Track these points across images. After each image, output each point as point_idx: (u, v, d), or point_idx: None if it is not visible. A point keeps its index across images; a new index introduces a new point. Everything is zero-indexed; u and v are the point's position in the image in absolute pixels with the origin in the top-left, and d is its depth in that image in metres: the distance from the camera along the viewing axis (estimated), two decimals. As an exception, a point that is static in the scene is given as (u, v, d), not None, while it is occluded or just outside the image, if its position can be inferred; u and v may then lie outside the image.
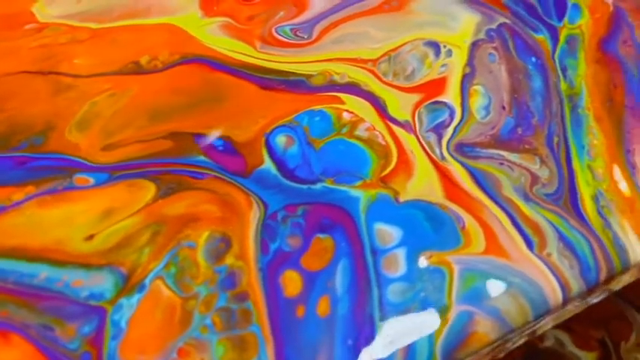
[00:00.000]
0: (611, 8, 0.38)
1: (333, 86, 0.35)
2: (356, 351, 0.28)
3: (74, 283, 0.29)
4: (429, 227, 0.30)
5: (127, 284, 0.29)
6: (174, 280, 0.29)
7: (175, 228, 0.30)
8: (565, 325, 0.48)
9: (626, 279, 0.33)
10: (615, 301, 0.48)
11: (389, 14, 0.37)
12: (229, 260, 0.29)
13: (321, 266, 0.29)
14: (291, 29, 0.37)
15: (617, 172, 0.32)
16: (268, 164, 0.32)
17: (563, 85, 0.34)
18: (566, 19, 0.37)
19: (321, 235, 0.30)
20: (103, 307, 0.28)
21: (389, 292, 0.29)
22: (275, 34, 0.37)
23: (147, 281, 0.29)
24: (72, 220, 0.30)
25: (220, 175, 0.32)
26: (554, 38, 0.36)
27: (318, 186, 0.31)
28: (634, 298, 0.49)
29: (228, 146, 0.33)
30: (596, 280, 0.30)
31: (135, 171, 0.32)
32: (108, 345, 0.27)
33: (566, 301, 0.29)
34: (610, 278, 0.30)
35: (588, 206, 0.31)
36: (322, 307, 0.28)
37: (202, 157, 0.32)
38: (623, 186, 0.32)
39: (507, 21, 0.37)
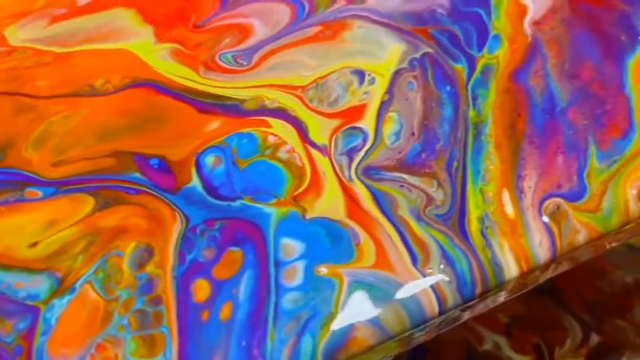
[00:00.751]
0: (530, 39, 0.43)
1: (264, 111, 0.40)
2: (248, 350, 0.34)
3: (16, 285, 0.35)
4: (329, 242, 0.36)
5: (61, 287, 0.35)
6: (101, 284, 0.35)
7: (107, 238, 0.37)
8: (504, 330, 0.54)
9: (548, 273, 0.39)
10: (554, 309, 0.54)
11: (323, 43, 0.43)
12: (150, 268, 0.36)
13: (229, 276, 0.36)
14: (233, 56, 0.43)
15: (506, 196, 0.37)
16: (195, 182, 0.38)
17: (471, 113, 0.40)
18: (485, 50, 0.42)
19: (233, 248, 0.36)
20: (37, 307, 0.35)
21: (284, 300, 0.35)
22: (218, 61, 0.42)
23: (77, 285, 0.35)
24: (21, 229, 0.37)
25: (152, 192, 0.38)
26: (471, 68, 0.42)
27: (237, 203, 0.38)
28: (573, 306, 0.54)
29: (163, 165, 0.39)
30: (472, 294, 0.35)
31: (78, 186, 0.38)
32: (38, 340, 0.34)
33: (442, 312, 0.35)
34: (485, 292, 0.36)
35: (473, 227, 0.37)
36: (225, 312, 0.35)
37: (138, 175, 0.39)
38: (509, 209, 0.37)
39: (431, 50, 0.42)
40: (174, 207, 0.36)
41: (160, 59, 0.42)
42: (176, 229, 0.36)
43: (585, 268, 0.54)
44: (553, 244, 0.36)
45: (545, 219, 0.36)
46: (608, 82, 0.40)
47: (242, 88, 0.41)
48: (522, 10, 0.43)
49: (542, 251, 0.36)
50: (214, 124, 0.39)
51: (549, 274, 0.39)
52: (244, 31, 0.43)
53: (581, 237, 0.36)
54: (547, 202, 0.37)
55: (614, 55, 0.41)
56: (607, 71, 0.41)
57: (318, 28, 0.43)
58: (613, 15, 0.43)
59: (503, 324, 0.53)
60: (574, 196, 0.37)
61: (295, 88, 0.40)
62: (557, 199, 0.37)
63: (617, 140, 0.38)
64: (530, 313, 0.52)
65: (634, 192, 0.37)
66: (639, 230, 0.42)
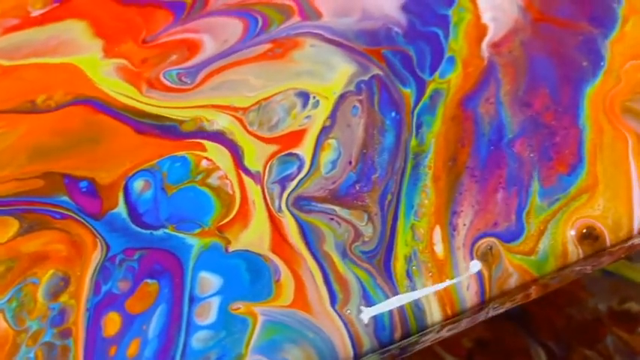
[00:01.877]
0: (485, 62, 0.40)
1: (201, 133, 0.39)
2: (151, 391, 0.32)
3: None
4: (248, 278, 0.34)
5: (-27, 315, 0.34)
6: (12, 314, 0.34)
7: (26, 265, 0.35)
8: (466, 355, 0.51)
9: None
10: (520, 334, 0.51)
11: (271, 62, 0.41)
12: (64, 298, 0.34)
13: (141, 310, 0.34)
14: (177, 74, 0.41)
15: (438, 234, 0.35)
16: (121, 208, 0.37)
17: (413, 142, 0.38)
18: (437, 73, 0.40)
19: (149, 281, 0.35)
20: (-55, 336, 0.34)
21: (194, 339, 0.33)
22: (162, 79, 0.41)
23: (-11, 314, 0.34)
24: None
25: (77, 217, 0.36)
26: (420, 93, 0.39)
27: (160, 232, 0.36)
28: (540, 333, 0.52)
29: (91, 188, 0.37)
30: (390, 339, 0.33)
31: (5, 208, 0.37)
32: (-58, 370, 0.33)
33: (356, 357, 0.33)
34: (404, 337, 0.34)
35: (399, 266, 0.35)
36: (132, 348, 0.33)
37: (65, 198, 0.37)
38: (439, 248, 0.35)
39: (380, 73, 0.40)
40: (97, 234, 0.35)
41: (105, 75, 0.40)
42: (95, 257, 0.34)
43: (557, 293, 0.51)
44: (482, 287, 0.33)
45: (476, 261, 0.34)
46: (562, 112, 0.38)
47: (182, 108, 0.39)
48: (482, 31, 0.41)
49: (469, 295, 0.33)
50: (149, 145, 0.37)
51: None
52: (193, 48, 0.41)
53: (513, 281, 0.34)
54: (480, 242, 0.34)
55: (572, 82, 0.39)
56: (563, 100, 0.38)
57: (268, 46, 0.41)
58: (577, 38, 0.41)
59: (466, 349, 0.50)
60: (510, 236, 0.34)
61: (236, 109, 0.39)
62: (491, 239, 0.34)
63: (563, 176, 0.36)
64: (494, 338, 0.50)
65: (573, 233, 0.34)
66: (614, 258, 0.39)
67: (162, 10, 0.43)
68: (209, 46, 0.41)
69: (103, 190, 0.36)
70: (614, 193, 0.35)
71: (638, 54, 0.39)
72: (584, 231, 0.34)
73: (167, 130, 0.38)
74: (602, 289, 0.52)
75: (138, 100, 0.39)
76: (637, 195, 0.35)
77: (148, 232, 0.35)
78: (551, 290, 0.38)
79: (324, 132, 0.37)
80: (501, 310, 0.37)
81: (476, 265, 0.33)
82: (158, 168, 0.36)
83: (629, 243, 0.35)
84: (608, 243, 0.34)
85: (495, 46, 0.40)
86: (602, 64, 0.39)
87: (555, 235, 0.34)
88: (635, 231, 0.34)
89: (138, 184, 0.36)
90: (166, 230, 0.35)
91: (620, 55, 0.39)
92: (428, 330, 0.33)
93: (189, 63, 0.40)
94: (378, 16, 0.41)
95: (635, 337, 0.49)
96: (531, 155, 0.36)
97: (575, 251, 0.34)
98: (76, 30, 0.43)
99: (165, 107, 0.39)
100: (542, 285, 0.36)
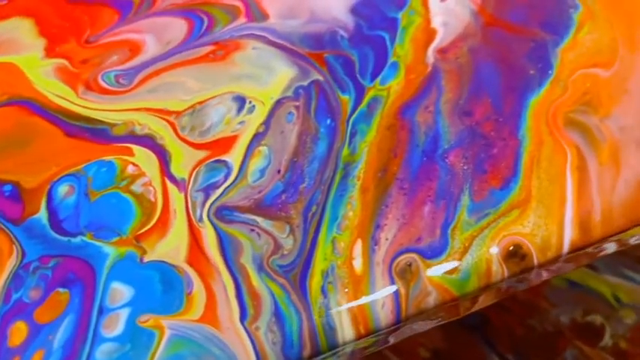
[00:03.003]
0: (429, 69, 0.38)
1: (132, 137, 0.37)
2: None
3: None
4: (160, 290, 0.33)
5: None
6: None
7: None
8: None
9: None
10: (479, 345, 0.49)
11: (212, 64, 0.39)
12: None
13: (49, 319, 0.33)
14: (115, 75, 0.39)
15: (358, 248, 0.33)
16: (42, 213, 0.35)
17: (345, 152, 0.36)
18: (378, 80, 0.38)
19: (60, 290, 0.33)
20: None
21: (98, 352, 0.32)
22: (100, 80, 0.39)
23: None
24: None
25: (-3, 222, 0.35)
26: (358, 100, 0.38)
27: (78, 239, 0.35)
28: (499, 344, 0.50)
29: (15, 192, 0.36)
30: (298, 357, 0.32)
31: None
32: None
33: None
34: (314, 355, 0.32)
35: (315, 281, 0.33)
36: (35, 359, 0.32)
37: (-12, 202, 0.36)
38: (358, 263, 0.33)
39: (320, 78, 0.38)
40: (15, 240, 0.34)
41: (43, 76, 0.39)
42: (9, 264, 0.33)
43: (518, 303, 0.49)
44: (397, 306, 0.32)
45: (394, 277, 0.32)
46: (502, 123, 0.36)
47: (116, 111, 0.37)
48: (430, 36, 0.39)
49: (383, 314, 0.32)
50: (78, 149, 0.36)
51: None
52: (135, 49, 0.40)
53: (432, 300, 0.32)
54: (400, 258, 0.32)
55: (516, 91, 0.37)
56: (505, 110, 0.36)
57: (210, 48, 0.40)
58: (528, 45, 0.38)
59: (423, 359, 0.48)
60: (432, 253, 0.33)
61: (170, 113, 0.37)
62: (412, 255, 0.32)
63: (495, 190, 0.34)
64: (452, 348, 0.48)
65: (496, 251, 0.32)
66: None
67: (108, 9, 0.41)
68: (151, 47, 0.39)
69: (27, 194, 0.35)
70: (547, 210, 0.33)
71: (589, 62, 0.37)
72: (511, 249, 0.32)
73: (97, 133, 0.36)
74: (565, 300, 0.49)
75: (73, 103, 0.38)
76: (569, 213, 0.33)
77: (66, 239, 0.33)
78: (510, 296, 0.36)
79: (257, 138, 0.36)
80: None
81: (393, 286, 0.31)
82: (84, 173, 0.35)
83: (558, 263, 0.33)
84: (535, 262, 0.32)
85: (442, 51, 0.38)
86: (550, 72, 0.37)
87: (479, 253, 0.32)
88: (564, 251, 0.32)
89: (62, 189, 0.35)
90: (84, 238, 0.33)
91: (570, 63, 0.37)
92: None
93: (129, 64, 0.39)
94: (326, 18, 0.40)
95: (597, 352, 0.47)
96: (465, 167, 0.34)
97: (499, 270, 0.32)
98: (21, 28, 0.41)
99: (99, 110, 0.37)
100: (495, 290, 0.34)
